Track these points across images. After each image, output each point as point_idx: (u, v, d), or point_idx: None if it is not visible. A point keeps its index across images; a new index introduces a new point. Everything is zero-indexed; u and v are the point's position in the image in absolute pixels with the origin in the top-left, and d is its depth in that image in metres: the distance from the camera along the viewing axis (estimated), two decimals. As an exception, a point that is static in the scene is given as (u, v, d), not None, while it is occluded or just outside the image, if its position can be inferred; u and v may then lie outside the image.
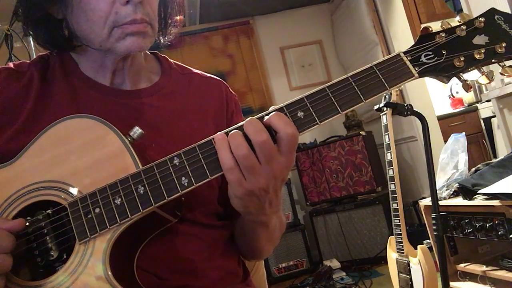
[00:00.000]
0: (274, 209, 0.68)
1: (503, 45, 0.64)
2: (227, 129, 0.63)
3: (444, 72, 0.64)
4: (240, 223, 0.82)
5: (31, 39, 0.81)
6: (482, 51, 0.64)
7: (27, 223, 0.65)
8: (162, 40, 0.86)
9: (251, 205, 0.65)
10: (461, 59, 0.64)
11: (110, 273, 0.61)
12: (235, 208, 0.67)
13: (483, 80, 0.65)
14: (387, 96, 1.81)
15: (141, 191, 0.62)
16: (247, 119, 0.61)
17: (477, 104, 3.66)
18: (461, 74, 0.65)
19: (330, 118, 0.62)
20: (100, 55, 0.78)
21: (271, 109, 0.63)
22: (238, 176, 0.60)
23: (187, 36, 3.99)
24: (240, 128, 0.61)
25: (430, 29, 0.66)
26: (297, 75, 4.20)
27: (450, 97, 4.05)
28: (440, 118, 3.45)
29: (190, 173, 0.62)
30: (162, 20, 0.85)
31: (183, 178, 0.62)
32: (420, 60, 0.64)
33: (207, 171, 0.62)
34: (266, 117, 0.61)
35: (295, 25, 4.22)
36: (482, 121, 3.56)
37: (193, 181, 0.62)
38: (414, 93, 3.34)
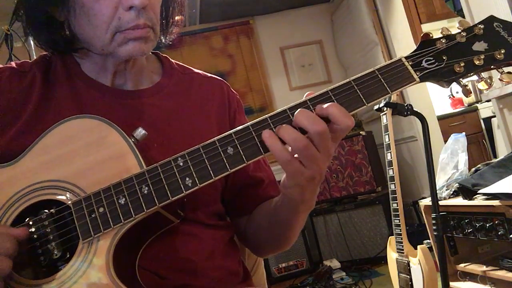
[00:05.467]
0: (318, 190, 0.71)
1: (502, 51, 0.65)
2: (241, 126, 0.63)
3: (444, 77, 0.66)
4: (271, 213, 0.80)
5: (31, 39, 0.81)
6: (482, 57, 0.65)
7: (31, 222, 0.66)
8: (163, 40, 0.86)
9: (308, 190, 0.66)
10: (461, 64, 0.65)
11: (113, 272, 0.62)
12: (290, 197, 0.69)
13: (482, 86, 0.66)
14: (387, 97, 1.81)
15: (145, 191, 0.63)
16: (298, 110, 0.61)
17: (477, 104, 3.66)
18: (461, 79, 0.66)
19: None
20: (101, 57, 0.78)
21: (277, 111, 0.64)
22: (297, 166, 0.61)
23: (187, 36, 3.99)
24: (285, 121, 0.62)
25: (431, 35, 0.67)
26: (297, 75, 4.20)
27: (450, 97, 4.05)
28: (440, 118, 3.45)
29: (194, 173, 0.62)
30: (164, 20, 0.84)
31: (187, 179, 0.62)
32: (421, 65, 0.66)
33: (211, 172, 0.62)
34: (322, 106, 0.62)
35: (295, 25, 4.21)
36: (482, 121, 3.57)
37: (197, 182, 0.62)
38: (414, 93, 3.34)
